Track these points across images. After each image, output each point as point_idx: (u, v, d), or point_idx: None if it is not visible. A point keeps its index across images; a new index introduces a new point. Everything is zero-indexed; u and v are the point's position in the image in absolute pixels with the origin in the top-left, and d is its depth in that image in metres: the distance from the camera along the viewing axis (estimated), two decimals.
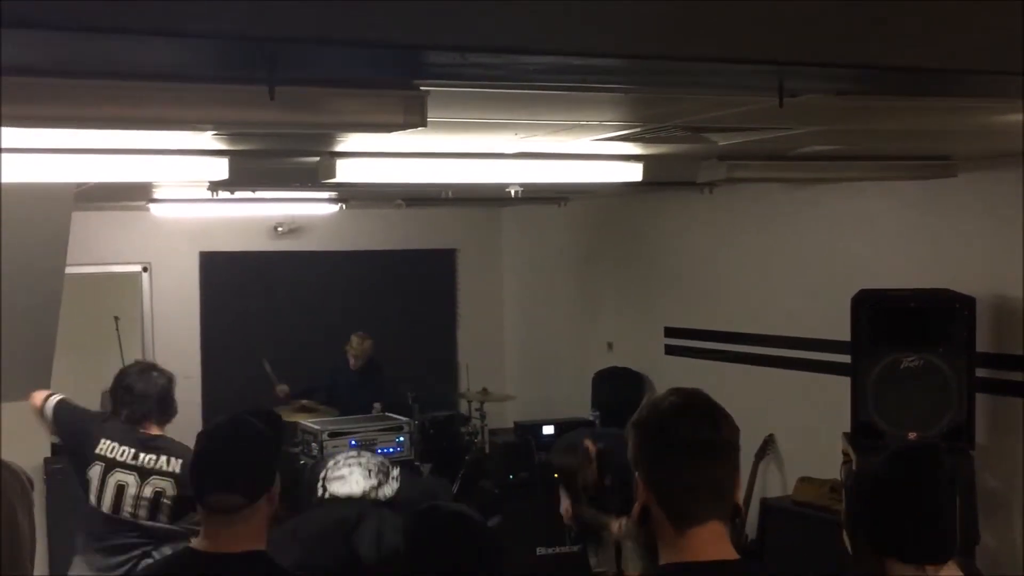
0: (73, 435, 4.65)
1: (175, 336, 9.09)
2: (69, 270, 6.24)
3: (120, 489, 4.39)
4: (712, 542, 1.94)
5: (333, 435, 7.26)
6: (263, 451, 2.73)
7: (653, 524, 1.98)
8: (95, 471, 4.43)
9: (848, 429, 5.66)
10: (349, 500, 5.16)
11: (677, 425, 1.96)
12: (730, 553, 1.95)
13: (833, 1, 2.34)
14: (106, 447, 4.43)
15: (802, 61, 2.43)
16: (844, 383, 5.78)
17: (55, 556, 6.67)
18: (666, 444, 1.97)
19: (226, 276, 9.24)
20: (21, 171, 3.90)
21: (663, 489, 1.96)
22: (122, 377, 4.61)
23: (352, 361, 8.53)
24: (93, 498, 4.45)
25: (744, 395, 6.82)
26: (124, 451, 4.42)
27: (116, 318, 10.71)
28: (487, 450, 8.85)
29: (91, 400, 10.36)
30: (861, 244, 6.47)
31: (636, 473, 2.00)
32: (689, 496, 1.94)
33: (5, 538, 2.14)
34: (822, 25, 2.37)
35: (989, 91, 3.08)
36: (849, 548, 2.54)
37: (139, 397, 4.49)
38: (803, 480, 6.58)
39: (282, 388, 8.42)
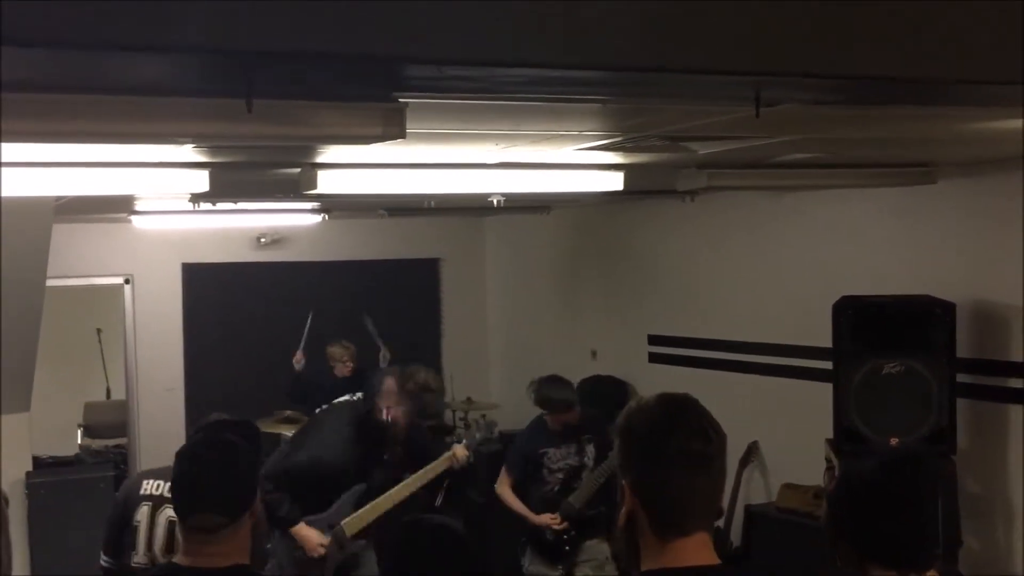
0: (117, 504, 4.40)
1: (158, 348, 9.07)
2: (50, 282, 6.23)
3: (172, 525, 4.12)
4: (695, 551, 1.94)
5: None
6: (242, 468, 2.73)
7: (637, 532, 1.97)
8: (143, 512, 4.18)
9: (831, 435, 5.68)
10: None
11: (669, 436, 1.93)
12: (712, 559, 1.95)
13: (809, 12, 2.35)
14: (151, 486, 4.22)
15: (778, 71, 2.44)
16: (826, 389, 5.79)
17: (35, 570, 6.64)
18: (657, 454, 1.94)
19: (209, 287, 9.22)
20: (1, 185, 3.88)
21: (651, 499, 1.94)
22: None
23: (340, 368, 8.48)
24: (142, 545, 4.18)
25: (727, 402, 6.80)
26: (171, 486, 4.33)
27: (98, 330, 10.71)
28: (472, 459, 8.83)
29: (74, 412, 10.40)
30: (842, 251, 6.49)
31: (623, 480, 1.99)
32: (677, 508, 1.93)
33: None
34: (799, 35, 2.39)
35: (968, 100, 3.10)
36: (830, 552, 2.55)
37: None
38: (787, 486, 6.59)
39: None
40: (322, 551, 5.09)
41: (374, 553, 5.43)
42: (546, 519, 5.98)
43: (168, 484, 4.08)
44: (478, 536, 5.62)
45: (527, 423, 6.44)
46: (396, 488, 5.28)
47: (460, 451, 5.47)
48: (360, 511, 5.21)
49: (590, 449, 6.01)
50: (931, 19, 2.44)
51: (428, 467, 5.35)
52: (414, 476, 5.33)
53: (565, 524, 5.98)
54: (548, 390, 6.08)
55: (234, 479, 2.70)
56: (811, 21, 2.36)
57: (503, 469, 6.27)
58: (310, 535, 5.11)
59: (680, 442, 1.92)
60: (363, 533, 5.24)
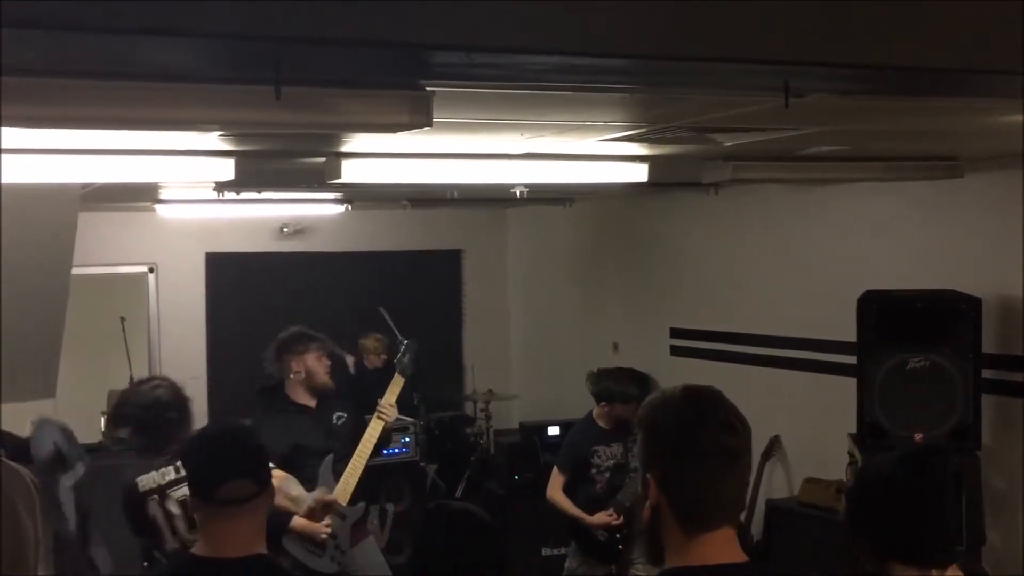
0: (126, 508, 4.56)
1: (181, 337, 9.12)
2: (75, 271, 6.26)
3: (185, 505, 4.38)
4: (721, 546, 1.91)
5: None
6: (260, 445, 2.79)
7: (661, 526, 1.94)
8: (152, 507, 4.31)
9: (854, 430, 5.65)
10: None
11: (699, 430, 1.90)
12: (738, 556, 1.92)
13: (839, 1, 2.34)
14: (147, 480, 4.30)
15: (808, 61, 2.43)
16: (850, 384, 5.77)
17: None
18: (684, 450, 1.91)
19: (232, 277, 9.25)
20: (27, 172, 3.90)
21: (678, 494, 1.92)
22: None
23: (372, 359, 8.49)
24: (168, 535, 4.30)
25: (750, 396, 6.77)
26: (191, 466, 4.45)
27: (122, 319, 10.73)
28: (492, 451, 8.85)
29: (98, 399, 10.45)
30: (867, 245, 6.46)
31: (647, 474, 1.95)
32: (705, 503, 1.90)
33: (8, 538, 2.15)
34: (828, 25, 2.37)
35: (996, 91, 3.08)
36: (849, 549, 2.53)
37: None
38: (809, 481, 6.57)
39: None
40: (328, 530, 5.15)
41: (372, 546, 5.61)
42: (603, 517, 5.91)
43: (166, 470, 4.18)
44: (499, 526, 5.68)
45: (539, 413, 6.40)
46: (363, 441, 5.36)
47: (388, 409, 5.49)
48: (343, 478, 5.27)
49: (637, 451, 5.93)
50: (959, 9, 2.43)
51: (367, 431, 5.41)
52: (371, 423, 5.41)
53: (621, 520, 5.91)
54: (609, 382, 6.04)
55: (256, 447, 2.75)
56: (840, 10, 2.34)
57: (554, 470, 6.19)
58: (310, 523, 5.15)
59: (710, 437, 1.89)
60: (354, 497, 5.33)
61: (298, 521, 5.09)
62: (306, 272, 9.42)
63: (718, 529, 1.91)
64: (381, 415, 5.44)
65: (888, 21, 2.40)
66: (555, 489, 6.14)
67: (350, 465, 5.29)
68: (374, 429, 5.40)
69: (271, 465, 2.89)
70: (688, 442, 1.91)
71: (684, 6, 2.24)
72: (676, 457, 1.92)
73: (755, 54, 2.37)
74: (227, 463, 2.67)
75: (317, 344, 5.48)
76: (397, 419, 7.89)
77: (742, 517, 5.76)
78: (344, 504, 5.26)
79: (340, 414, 5.48)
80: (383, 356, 8.42)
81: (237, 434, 2.80)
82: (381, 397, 5.88)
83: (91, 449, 8.34)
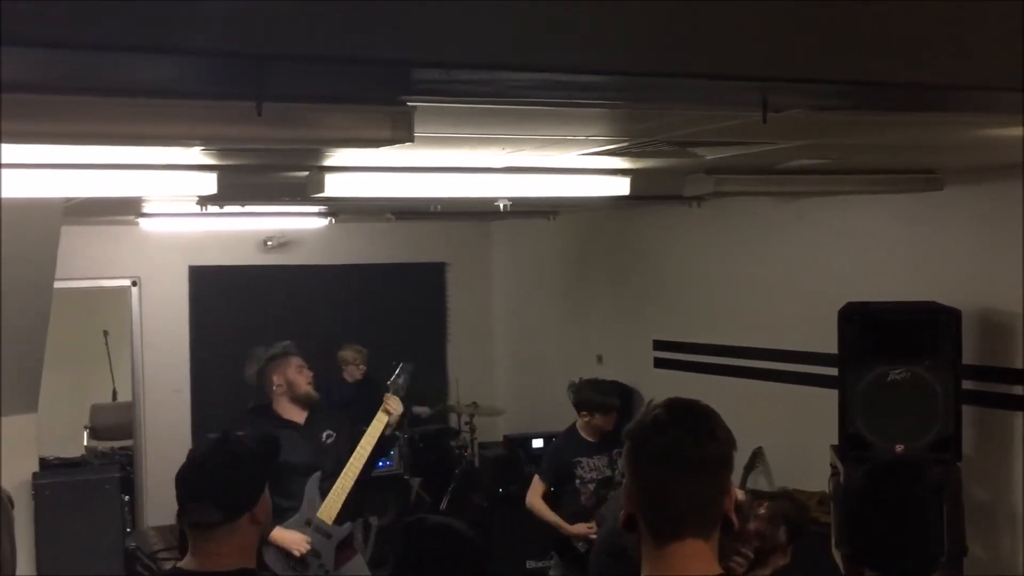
0: None
1: (164, 350, 9.09)
2: (58, 284, 6.25)
3: None
4: (691, 559, 1.91)
5: None
6: (245, 470, 2.71)
7: (640, 535, 1.97)
8: None
9: (836, 441, 5.67)
10: None
11: (658, 437, 1.93)
12: (711, 569, 1.93)
13: (815, 18, 2.36)
14: None
15: (785, 77, 2.45)
16: (832, 396, 5.78)
17: (41, 571, 6.65)
18: (646, 455, 1.95)
19: (215, 290, 9.23)
20: (10, 186, 3.90)
21: (639, 500, 1.95)
22: None
23: (351, 371, 8.47)
24: None
25: (732, 408, 6.75)
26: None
27: (105, 332, 10.73)
28: (477, 464, 8.84)
29: (80, 414, 10.41)
30: (848, 257, 6.49)
31: (625, 480, 2.01)
32: (666, 510, 1.92)
33: None
34: (805, 41, 2.40)
35: (973, 106, 3.11)
36: (839, 562, 2.55)
37: None
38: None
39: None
40: (307, 547, 5.11)
41: (361, 568, 5.52)
42: (582, 528, 5.88)
43: None
44: (483, 539, 5.67)
45: (524, 426, 6.39)
46: (351, 459, 5.28)
47: (392, 401, 5.44)
48: (329, 496, 5.22)
49: (622, 463, 5.94)
50: (935, 26, 2.46)
51: (370, 428, 5.33)
52: (361, 443, 5.33)
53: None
54: (589, 392, 6.07)
55: (233, 478, 2.67)
56: (818, 27, 2.37)
57: (535, 479, 6.18)
58: (289, 536, 5.11)
59: (668, 444, 1.92)
60: (342, 516, 5.26)
61: (276, 533, 5.05)
62: (290, 285, 9.41)
63: (685, 539, 1.91)
64: (387, 409, 5.38)
65: (865, 37, 2.42)
66: (535, 496, 6.13)
67: (338, 482, 5.22)
68: (380, 421, 5.33)
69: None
70: (649, 446, 1.95)
71: (664, 23, 2.26)
72: (637, 462, 1.97)
73: (733, 70, 2.40)
74: (194, 489, 2.65)
75: (295, 355, 5.45)
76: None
77: None
78: (329, 523, 5.22)
79: (330, 432, 5.42)
80: (362, 368, 8.41)
81: (220, 458, 2.71)
82: (360, 411, 5.84)
83: (73, 464, 8.32)
